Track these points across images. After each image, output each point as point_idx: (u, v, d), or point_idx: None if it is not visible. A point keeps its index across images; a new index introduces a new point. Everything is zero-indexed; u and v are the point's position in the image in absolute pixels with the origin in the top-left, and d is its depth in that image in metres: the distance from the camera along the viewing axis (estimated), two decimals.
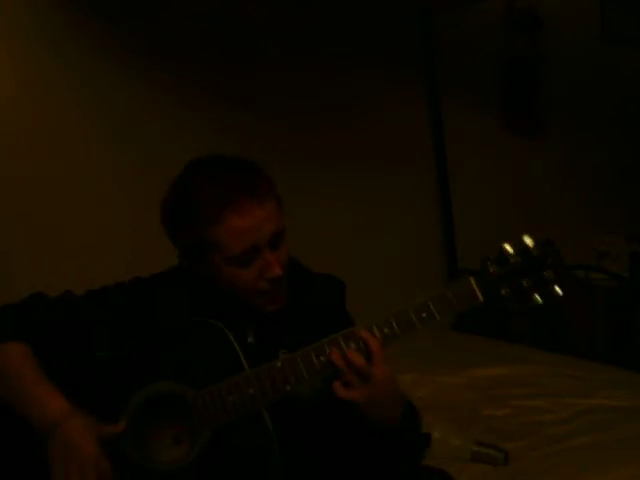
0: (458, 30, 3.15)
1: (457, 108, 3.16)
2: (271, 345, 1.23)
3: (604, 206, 3.61)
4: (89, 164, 2.35)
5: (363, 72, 2.90)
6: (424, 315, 1.17)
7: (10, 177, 2.21)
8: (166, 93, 2.49)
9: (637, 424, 1.88)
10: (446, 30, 3.10)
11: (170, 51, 2.48)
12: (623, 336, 2.69)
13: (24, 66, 2.25)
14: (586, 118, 3.56)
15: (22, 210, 2.22)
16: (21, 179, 2.23)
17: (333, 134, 2.84)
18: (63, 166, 2.30)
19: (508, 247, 1.18)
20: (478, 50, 3.22)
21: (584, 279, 2.85)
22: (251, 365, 1.19)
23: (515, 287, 1.17)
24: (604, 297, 2.79)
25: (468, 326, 3.13)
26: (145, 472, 1.19)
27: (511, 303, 1.18)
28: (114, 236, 2.31)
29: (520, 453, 1.77)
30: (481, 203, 3.18)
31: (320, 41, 2.80)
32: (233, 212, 1.18)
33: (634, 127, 3.70)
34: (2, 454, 1.21)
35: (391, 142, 2.99)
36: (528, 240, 1.18)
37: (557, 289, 1.17)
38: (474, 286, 1.17)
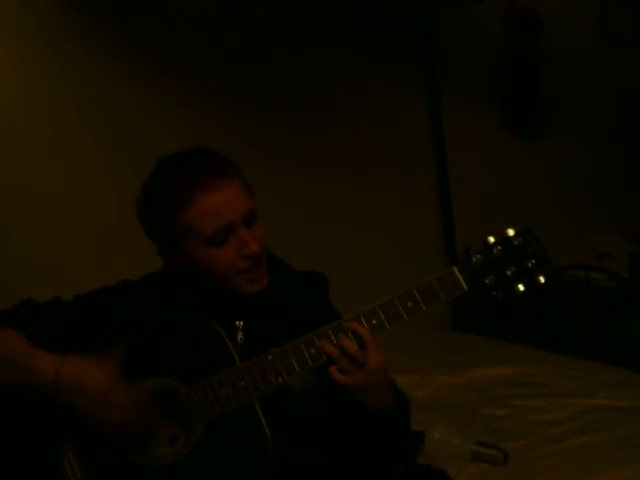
0: (458, 30, 3.15)
1: (457, 108, 3.16)
2: (260, 342, 1.24)
3: (604, 206, 3.61)
4: (88, 164, 2.34)
5: (363, 72, 2.90)
6: (410, 304, 1.20)
7: (9, 177, 2.21)
8: (166, 94, 2.49)
9: (637, 424, 1.88)
10: (446, 30, 3.10)
11: (170, 52, 2.48)
12: (623, 336, 2.69)
13: (23, 66, 2.24)
14: (586, 118, 3.56)
15: (21, 210, 2.22)
16: (20, 179, 2.22)
17: (333, 134, 2.84)
18: (62, 166, 2.30)
19: (491, 238, 1.21)
20: (478, 50, 3.22)
21: (584, 279, 2.85)
22: (242, 360, 1.21)
23: (499, 276, 1.20)
24: (604, 297, 2.79)
25: (468, 326, 3.14)
26: (140, 467, 1.20)
27: (495, 292, 1.20)
28: (113, 236, 2.31)
29: (520, 453, 1.77)
30: (481, 203, 3.18)
31: (320, 41, 2.80)
32: (202, 192, 1.21)
33: (634, 127, 3.70)
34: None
35: (391, 142, 2.99)
36: (510, 231, 1.21)
37: (540, 278, 1.19)
38: (458, 275, 1.19)
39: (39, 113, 2.27)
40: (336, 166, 2.84)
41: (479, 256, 1.20)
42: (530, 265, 1.19)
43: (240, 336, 1.30)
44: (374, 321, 1.19)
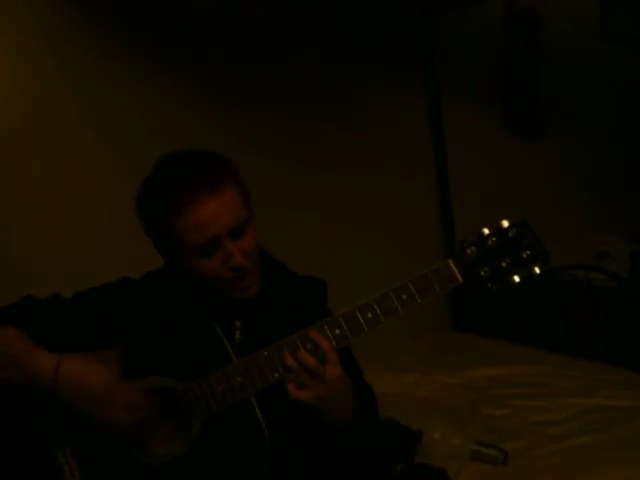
0: (458, 30, 3.15)
1: (457, 108, 3.16)
2: (258, 342, 1.24)
3: (604, 206, 3.61)
4: (88, 164, 2.34)
5: (363, 72, 2.90)
6: (405, 297, 1.19)
7: (8, 176, 2.21)
8: (165, 94, 2.48)
9: (637, 424, 1.88)
10: (446, 30, 3.10)
11: (169, 52, 2.48)
12: (623, 336, 2.68)
13: (22, 66, 2.24)
14: (586, 118, 3.56)
15: (21, 210, 2.22)
16: (19, 179, 2.22)
17: (333, 134, 2.84)
18: (62, 166, 2.30)
19: (485, 230, 1.21)
20: (478, 50, 3.22)
21: (584, 279, 2.85)
22: (239, 358, 1.22)
23: (494, 267, 1.20)
24: (604, 297, 2.78)
25: (467, 326, 3.14)
26: (138, 466, 1.20)
27: (490, 283, 1.20)
28: (112, 235, 2.31)
29: (520, 453, 1.77)
30: (481, 203, 3.18)
31: (320, 41, 2.80)
32: (188, 205, 1.21)
33: (634, 127, 3.70)
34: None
35: (391, 142, 2.99)
36: (504, 223, 1.21)
37: (536, 269, 1.19)
38: (453, 267, 1.19)
39: (39, 113, 2.27)
40: (336, 166, 2.84)
41: (473, 248, 1.20)
42: (525, 256, 1.19)
43: (238, 336, 1.31)
44: (369, 315, 1.19)
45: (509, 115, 3.39)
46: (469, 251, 1.20)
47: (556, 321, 2.85)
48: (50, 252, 2.24)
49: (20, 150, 2.23)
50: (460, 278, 1.19)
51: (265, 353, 1.20)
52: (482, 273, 1.20)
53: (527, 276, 1.19)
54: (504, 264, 1.19)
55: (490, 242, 1.20)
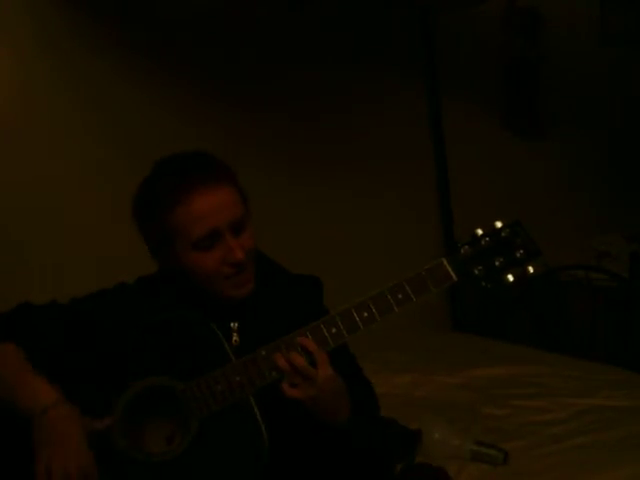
0: (458, 30, 3.15)
1: (457, 108, 3.16)
2: (255, 344, 1.24)
3: (604, 206, 3.61)
4: (87, 164, 2.35)
5: (363, 72, 2.90)
6: (400, 296, 1.21)
7: (9, 176, 2.21)
8: (164, 94, 2.49)
9: (637, 424, 1.88)
10: (446, 30, 3.10)
11: (168, 52, 2.48)
12: (623, 336, 2.68)
13: (22, 66, 2.25)
14: (586, 118, 3.55)
15: (20, 210, 2.22)
16: (19, 178, 2.22)
17: (333, 134, 2.84)
18: (61, 166, 2.30)
19: (479, 230, 1.23)
20: (478, 50, 3.22)
21: (584, 279, 2.85)
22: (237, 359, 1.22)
23: (487, 266, 1.21)
24: (604, 297, 2.78)
25: (467, 326, 3.14)
26: (137, 465, 1.20)
27: (485, 282, 1.21)
28: (112, 235, 2.31)
29: (520, 453, 1.77)
30: (481, 203, 3.17)
31: (320, 41, 2.80)
32: (191, 195, 1.22)
33: (634, 127, 3.70)
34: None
35: (391, 142, 2.99)
36: (498, 223, 1.23)
37: (530, 268, 1.21)
38: (447, 266, 1.21)
39: (38, 113, 2.27)
40: (336, 166, 2.85)
41: (467, 247, 1.22)
42: (519, 255, 1.21)
43: (235, 337, 1.31)
44: (365, 314, 1.20)
45: (509, 115, 3.39)
46: (463, 250, 1.22)
47: (556, 321, 2.85)
48: (49, 252, 2.24)
49: (20, 150, 2.23)
50: (454, 277, 1.21)
51: (263, 352, 1.21)
52: (476, 272, 1.21)
53: (521, 275, 1.21)
54: (497, 263, 1.21)
55: (484, 242, 1.22)
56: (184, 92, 2.52)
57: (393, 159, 3.01)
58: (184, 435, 1.21)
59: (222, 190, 1.24)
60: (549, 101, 3.45)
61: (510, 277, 1.21)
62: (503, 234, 1.22)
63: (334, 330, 1.20)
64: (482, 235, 1.22)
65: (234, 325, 1.31)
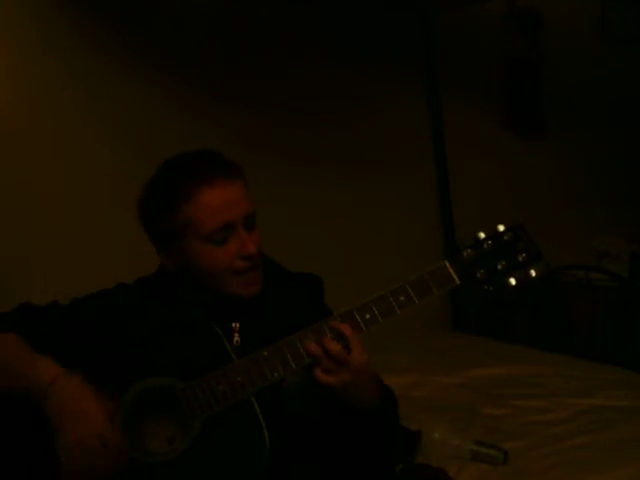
0: (458, 30, 3.15)
1: (457, 108, 3.16)
2: (256, 344, 1.24)
3: (604, 206, 3.61)
4: (89, 164, 2.34)
5: (363, 72, 2.90)
6: (402, 299, 1.21)
7: (10, 176, 2.21)
8: (167, 94, 2.48)
9: (637, 424, 1.88)
10: (446, 30, 3.10)
11: (171, 52, 2.48)
12: (623, 336, 2.69)
13: (24, 66, 2.25)
14: (586, 118, 3.55)
15: (20, 210, 2.22)
16: (19, 179, 2.22)
17: (333, 134, 2.84)
18: (63, 166, 2.30)
19: (481, 234, 1.23)
20: (479, 50, 3.21)
21: (584, 279, 2.85)
22: (239, 359, 1.22)
23: (490, 270, 1.21)
24: (604, 297, 2.78)
25: (468, 326, 3.14)
26: (138, 464, 1.20)
27: (487, 285, 1.22)
28: (113, 236, 2.31)
29: (520, 453, 1.77)
30: (481, 203, 3.18)
31: (320, 41, 2.80)
32: (205, 188, 1.23)
33: (634, 127, 3.70)
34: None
35: (391, 142, 2.99)
36: (500, 227, 1.23)
37: (532, 272, 1.21)
38: (449, 269, 1.21)
39: (40, 113, 2.27)
40: (336, 166, 2.84)
41: (469, 250, 1.22)
42: (521, 259, 1.21)
43: (236, 338, 1.31)
44: (367, 316, 1.20)
45: (509, 115, 3.39)
46: (465, 253, 1.22)
47: (556, 321, 2.85)
48: (50, 252, 2.24)
49: (21, 150, 2.23)
50: (457, 279, 1.21)
51: (265, 353, 1.20)
52: (478, 275, 1.21)
53: (523, 279, 1.21)
54: (500, 266, 1.21)
55: (486, 245, 1.22)
56: (187, 92, 2.52)
57: (393, 159, 3.01)
58: (185, 435, 1.21)
59: (233, 184, 1.25)
60: (549, 101, 3.45)
61: (512, 280, 1.21)
62: (505, 237, 1.22)
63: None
64: (484, 238, 1.22)
65: (235, 325, 1.31)
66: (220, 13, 2.55)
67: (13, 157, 2.21)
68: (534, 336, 2.91)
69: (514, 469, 1.71)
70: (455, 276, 1.21)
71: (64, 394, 1.16)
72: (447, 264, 1.21)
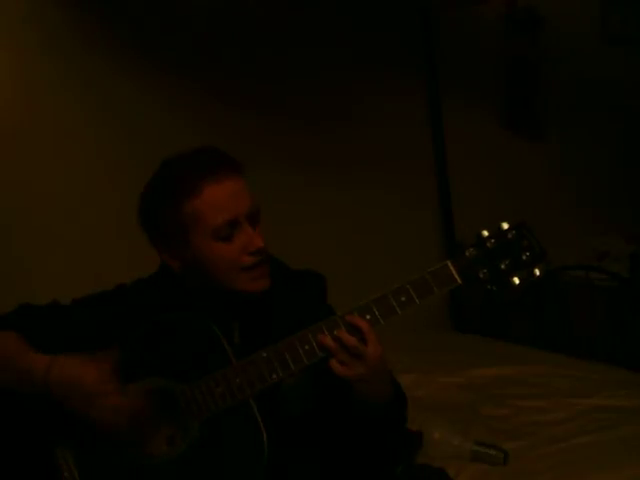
0: (458, 30, 3.15)
1: (457, 108, 3.16)
2: (257, 343, 1.23)
3: (604, 206, 3.61)
4: (89, 164, 2.35)
5: (363, 72, 2.90)
6: (403, 299, 1.19)
7: (10, 177, 2.21)
8: (167, 94, 2.49)
9: (637, 424, 1.88)
10: (446, 30, 3.10)
11: (171, 51, 2.48)
12: (623, 336, 2.68)
13: (25, 66, 2.25)
14: (586, 118, 3.55)
15: (23, 211, 2.22)
16: (19, 178, 2.22)
17: (333, 134, 2.84)
18: (63, 166, 2.30)
19: (485, 232, 1.21)
20: (478, 50, 3.22)
21: (584, 279, 2.85)
22: (238, 360, 1.21)
23: (493, 269, 1.19)
24: (604, 297, 2.78)
25: (468, 326, 3.14)
26: (136, 465, 1.21)
27: (490, 285, 1.20)
28: (113, 236, 2.31)
29: (520, 453, 1.77)
30: (481, 203, 3.18)
31: (320, 41, 2.80)
32: (212, 182, 1.22)
33: (634, 127, 3.70)
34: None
35: (391, 142, 2.99)
36: (504, 225, 1.21)
37: (536, 270, 1.19)
38: (452, 269, 1.19)
39: (41, 114, 2.27)
40: (335, 166, 2.84)
41: (472, 250, 1.20)
42: (525, 258, 1.18)
43: (236, 337, 1.30)
44: (368, 316, 1.19)
45: (509, 115, 3.39)
46: (467, 253, 1.20)
47: (556, 321, 2.85)
48: (50, 253, 2.24)
49: (22, 150, 2.23)
50: (459, 279, 1.19)
51: (264, 354, 1.20)
52: (481, 275, 1.19)
53: (527, 278, 1.19)
54: (503, 266, 1.19)
55: (489, 244, 1.20)
56: (187, 92, 2.52)
57: (393, 159, 3.01)
58: (184, 436, 1.20)
59: (237, 179, 1.25)
60: (549, 101, 3.45)
61: (516, 280, 1.19)
62: (509, 236, 1.19)
63: (336, 332, 1.19)
64: (487, 237, 1.20)
65: (235, 325, 1.31)
66: (220, 14, 2.56)
67: (13, 157, 2.21)
68: (534, 336, 2.91)
69: (514, 469, 1.70)
70: (457, 276, 1.19)
71: (63, 378, 1.17)
72: (449, 263, 1.19)
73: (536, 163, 3.47)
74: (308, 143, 2.77)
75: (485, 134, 3.31)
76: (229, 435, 1.20)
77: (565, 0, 3.45)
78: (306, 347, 1.19)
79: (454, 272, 1.19)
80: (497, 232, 1.20)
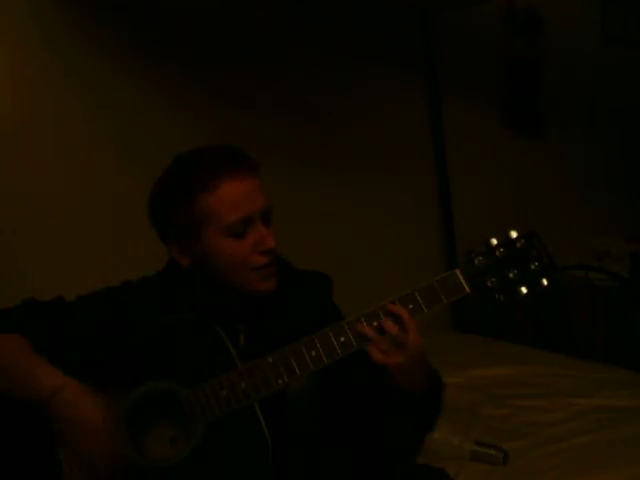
0: (458, 30, 3.15)
1: (457, 108, 3.16)
2: (263, 344, 1.23)
3: (604, 206, 3.61)
4: (89, 163, 2.34)
5: (363, 72, 2.90)
6: (411, 307, 1.18)
7: (10, 177, 2.21)
8: (167, 94, 2.48)
9: (637, 424, 1.88)
10: (446, 30, 3.10)
11: (171, 51, 2.48)
12: (623, 336, 2.68)
13: (25, 66, 2.24)
14: (586, 118, 3.55)
15: (18, 209, 2.22)
16: (19, 178, 2.22)
17: (333, 134, 2.84)
18: (63, 167, 2.30)
19: (494, 240, 1.20)
20: (478, 50, 3.21)
21: (584, 279, 2.85)
22: (244, 363, 1.20)
23: (501, 278, 1.19)
24: (604, 297, 2.78)
25: (468, 326, 3.14)
26: (139, 468, 1.19)
27: (498, 294, 1.19)
28: (113, 236, 2.31)
29: (520, 453, 1.77)
30: (481, 203, 3.18)
31: (319, 41, 2.79)
32: (230, 179, 1.22)
33: (634, 127, 3.70)
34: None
35: (391, 142, 2.99)
36: (513, 233, 1.20)
37: (544, 281, 1.19)
38: (460, 278, 1.19)
39: (40, 113, 2.27)
40: (336, 166, 2.84)
41: (481, 258, 1.19)
42: (533, 268, 1.18)
43: (242, 339, 1.29)
44: (375, 323, 1.18)
45: (509, 115, 3.39)
46: (477, 261, 1.19)
47: (556, 321, 2.85)
48: (52, 254, 2.24)
49: (22, 151, 2.23)
50: (467, 289, 1.19)
51: (270, 359, 1.18)
52: (489, 284, 1.19)
53: (535, 288, 1.19)
54: (511, 275, 1.18)
55: (498, 253, 1.19)
56: (188, 92, 2.52)
57: (393, 159, 3.00)
58: (188, 440, 1.19)
59: (253, 177, 1.25)
60: (549, 101, 3.45)
61: (524, 289, 1.18)
62: (518, 244, 1.19)
63: (342, 339, 1.18)
64: (497, 245, 1.20)
65: (242, 327, 1.30)
66: (220, 13, 2.55)
67: (12, 155, 2.21)
68: (534, 336, 2.91)
69: (514, 469, 1.70)
70: (466, 285, 1.18)
71: (69, 406, 1.17)
72: (458, 272, 1.19)
73: (536, 163, 3.47)
74: (307, 144, 2.77)
75: (485, 134, 3.31)
76: (233, 439, 1.19)
77: (565, 1, 3.45)
78: (312, 353, 1.18)
79: (463, 281, 1.18)
80: (506, 240, 1.20)
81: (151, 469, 1.20)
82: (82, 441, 1.16)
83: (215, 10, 2.54)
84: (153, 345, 1.24)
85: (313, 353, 1.18)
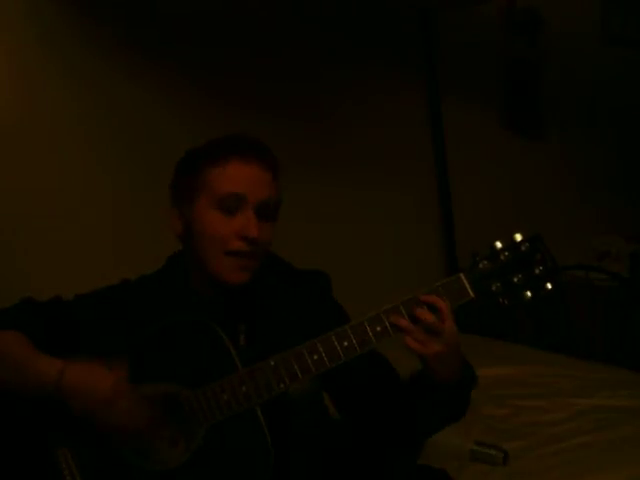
0: (458, 30, 3.15)
1: (457, 108, 3.16)
2: (263, 344, 1.23)
3: (604, 206, 3.61)
4: (87, 163, 2.34)
5: (363, 72, 2.89)
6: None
7: (9, 177, 2.21)
8: (166, 93, 2.48)
9: (637, 424, 1.88)
10: (446, 30, 3.10)
11: (174, 52, 2.47)
12: (623, 336, 2.69)
13: (22, 65, 2.24)
14: (586, 118, 3.56)
15: (16, 209, 2.22)
16: (18, 178, 2.22)
17: (333, 134, 2.84)
18: (62, 166, 2.30)
19: (498, 243, 1.20)
20: (478, 50, 3.21)
21: (584, 279, 2.85)
22: (244, 365, 1.20)
23: (506, 283, 1.18)
24: (604, 297, 2.78)
25: (468, 326, 3.13)
26: (139, 470, 1.19)
27: (502, 298, 1.19)
28: (111, 235, 2.31)
29: (520, 453, 1.77)
30: (481, 203, 3.18)
31: (319, 41, 2.79)
32: (237, 160, 1.25)
33: (634, 127, 3.70)
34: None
35: (391, 142, 2.99)
36: (518, 236, 1.19)
37: (548, 285, 1.18)
38: (465, 282, 1.18)
39: (39, 113, 2.27)
40: (336, 166, 2.84)
41: (486, 262, 1.18)
42: (538, 272, 1.18)
43: (242, 340, 1.29)
44: (378, 328, 1.17)
45: (509, 115, 3.39)
46: (481, 265, 1.18)
47: (556, 321, 2.85)
48: (52, 254, 2.23)
49: (19, 150, 2.22)
50: (472, 293, 1.18)
51: (272, 362, 1.17)
52: (494, 288, 1.18)
53: (539, 292, 1.18)
54: (516, 279, 1.18)
55: (503, 256, 1.18)
56: (187, 92, 2.51)
57: (393, 159, 3.00)
58: (188, 443, 1.19)
59: (264, 170, 1.27)
60: (549, 101, 3.45)
61: (528, 294, 1.18)
62: (523, 248, 1.18)
63: (346, 343, 1.17)
64: (501, 249, 1.19)
65: (241, 327, 1.29)
66: (220, 12, 2.55)
67: (10, 155, 2.21)
68: (534, 336, 2.91)
69: (514, 469, 1.70)
70: (470, 290, 1.17)
71: (77, 383, 1.16)
72: (462, 276, 1.18)
73: (536, 163, 3.47)
74: (306, 143, 2.77)
75: (485, 134, 3.31)
76: (234, 442, 1.19)
77: (565, 1, 3.45)
78: (314, 357, 1.17)
79: (467, 285, 1.18)
80: (511, 244, 1.19)
81: (152, 471, 1.19)
82: (98, 409, 1.15)
83: (215, 9, 2.54)
84: (153, 345, 1.24)
85: (315, 357, 1.17)
